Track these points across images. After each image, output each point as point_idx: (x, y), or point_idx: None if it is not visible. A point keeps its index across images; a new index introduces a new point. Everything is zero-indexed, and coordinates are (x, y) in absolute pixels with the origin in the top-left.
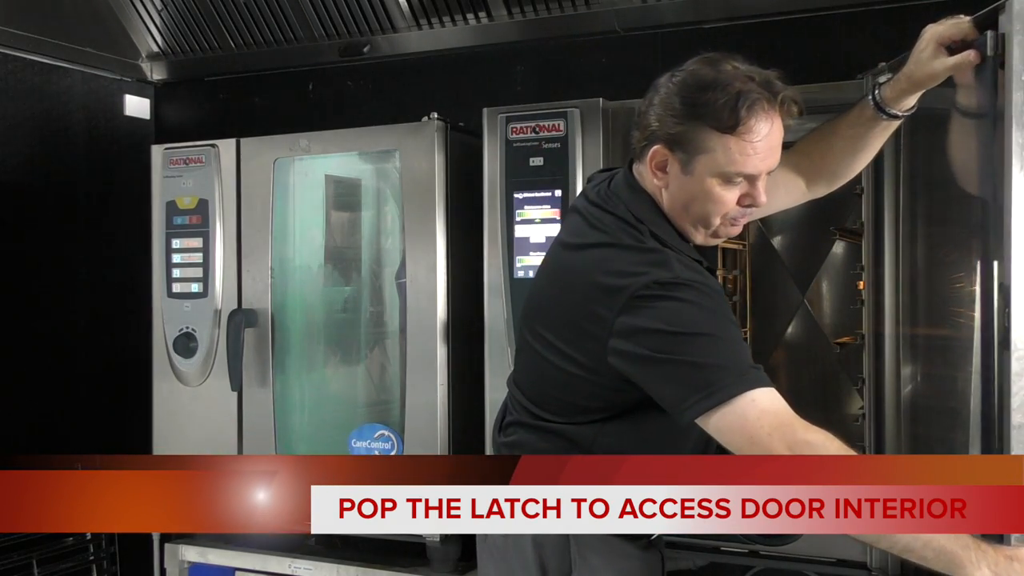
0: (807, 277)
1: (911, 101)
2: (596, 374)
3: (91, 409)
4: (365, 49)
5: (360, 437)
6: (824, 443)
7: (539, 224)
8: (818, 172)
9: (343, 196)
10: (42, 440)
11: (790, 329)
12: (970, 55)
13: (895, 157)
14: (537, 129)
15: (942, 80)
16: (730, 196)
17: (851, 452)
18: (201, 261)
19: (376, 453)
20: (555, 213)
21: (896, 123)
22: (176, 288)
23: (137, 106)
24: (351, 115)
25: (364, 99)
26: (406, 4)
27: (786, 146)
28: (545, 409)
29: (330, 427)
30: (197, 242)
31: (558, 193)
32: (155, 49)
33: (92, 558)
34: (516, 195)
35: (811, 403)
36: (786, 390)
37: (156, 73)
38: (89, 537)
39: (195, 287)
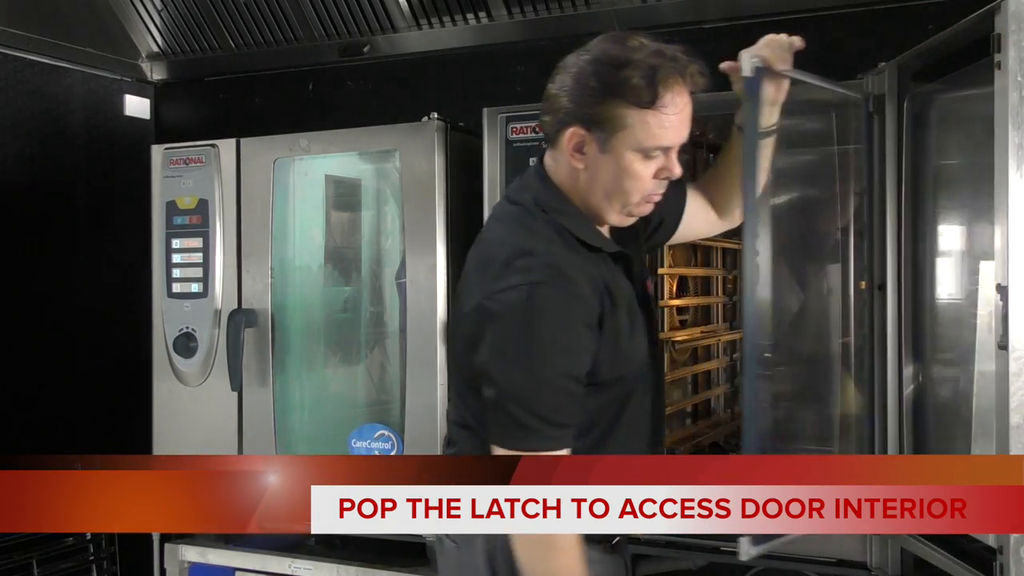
0: (807, 277)
1: (761, 120)
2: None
3: (91, 409)
4: (365, 49)
5: (360, 437)
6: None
7: None
8: (722, 200)
9: (343, 196)
10: (42, 440)
11: (790, 329)
12: (729, 66)
13: (896, 157)
14: (537, 129)
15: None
16: (648, 171)
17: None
18: (201, 261)
19: (376, 453)
20: None
21: (765, 141)
22: (176, 288)
23: (137, 106)
24: (351, 115)
25: (364, 99)
26: (406, 4)
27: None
28: (469, 416)
29: (330, 427)
30: (197, 242)
31: None
32: (155, 49)
33: (92, 558)
34: None
35: (811, 403)
36: (786, 390)
37: (156, 73)
38: (89, 537)
39: (195, 287)
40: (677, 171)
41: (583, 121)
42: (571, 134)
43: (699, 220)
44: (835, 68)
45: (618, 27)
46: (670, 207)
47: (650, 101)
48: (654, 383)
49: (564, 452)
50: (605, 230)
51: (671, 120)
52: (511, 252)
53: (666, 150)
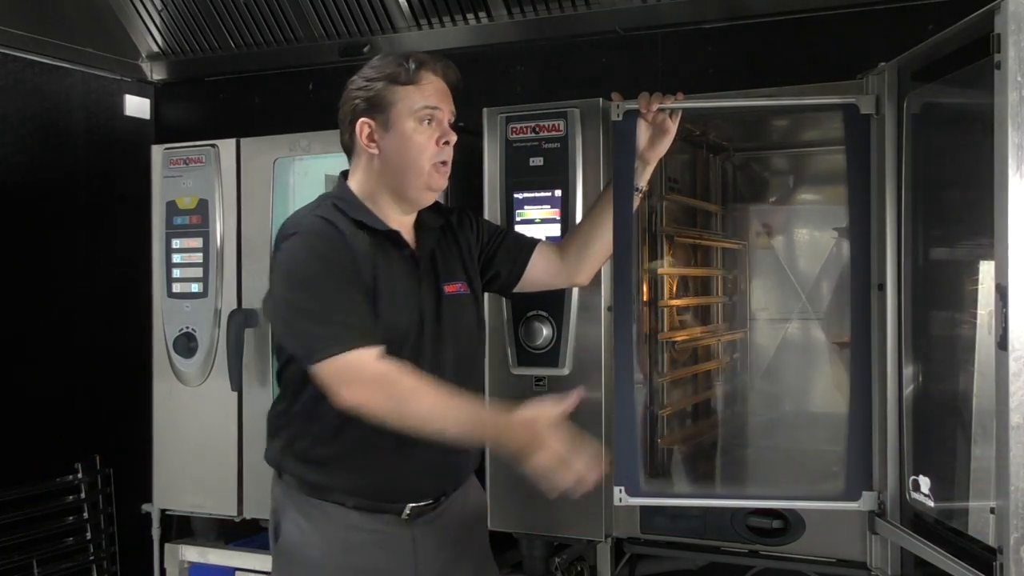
0: (807, 277)
1: (638, 177)
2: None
3: (91, 409)
4: (365, 49)
5: None
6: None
7: (539, 224)
8: (572, 256)
9: None
10: (42, 439)
11: (790, 329)
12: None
13: (896, 157)
14: (537, 129)
15: (642, 147)
16: (427, 136)
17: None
18: (201, 261)
19: None
20: (555, 213)
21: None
22: (176, 288)
23: (137, 106)
24: None
25: None
26: (406, 4)
27: None
28: (279, 381)
29: None
30: (197, 242)
31: (558, 193)
32: (155, 49)
33: (92, 558)
34: (516, 195)
35: (812, 403)
36: (786, 390)
37: (156, 73)
38: (89, 537)
39: (195, 287)
40: (452, 135)
41: (366, 112)
42: (361, 125)
43: (545, 273)
44: (835, 68)
45: (618, 27)
46: (511, 260)
47: (407, 80)
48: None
49: (366, 351)
50: (405, 225)
51: (429, 89)
52: (291, 221)
53: (434, 110)
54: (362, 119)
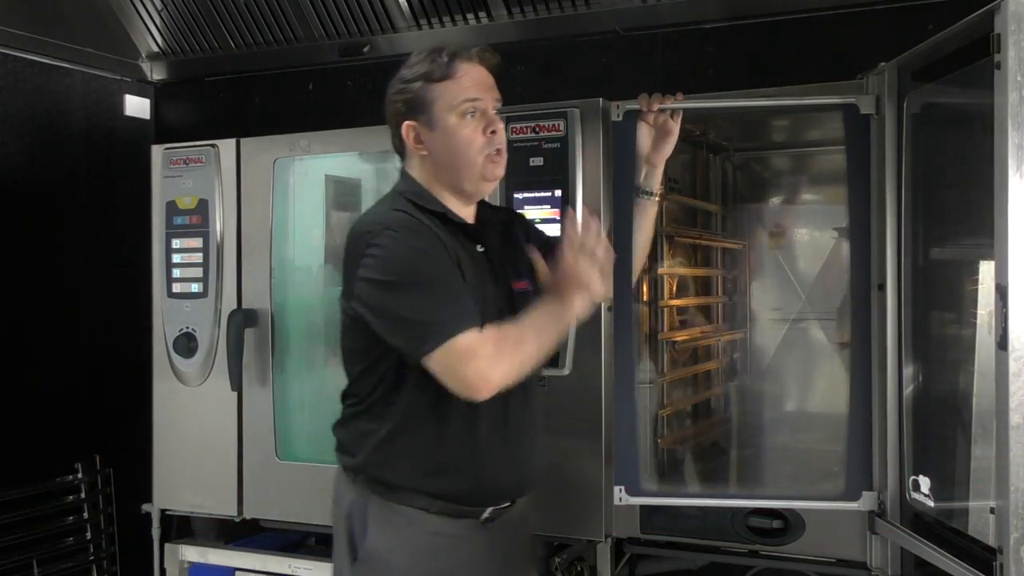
0: (807, 277)
1: (648, 181)
2: (360, 322)
3: (91, 409)
4: (365, 49)
5: None
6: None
7: (539, 224)
8: None
9: (343, 196)
10: (42, 439)
11: (790, 329)
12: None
13: (896, 157)
14: (537, 129)
15: (647, 150)
16: (472, 129)
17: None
18: (201, 261)
19: None
20: (555, 213)
21: (647, 202)
22: (176, 288)
23: (137, 106)
24: (351, 115)
25: (364, 99)
26: (406, 4)
27: None
28: (349, 393)
29: (330, 427)
30: (197, 242)
31: (558, 193)
32: (155, 49)
33: (92, 558)
34: (516, 195)
35: (812, 403)
36: (786, 390)
37: (156, 73)
38: (89, 537)
39: (195, 287)
40: (499, 124)
41: (408, 114)
42: (407, 128)
43: None
44: (835, 68)
45: (618, 27)
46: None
47: (443, 75)
48: None
49: (471, 331)
50: (469, 214)
51: (467, 81)
52: (377, 212)
53: (475, 102)
54: (407, 122)
